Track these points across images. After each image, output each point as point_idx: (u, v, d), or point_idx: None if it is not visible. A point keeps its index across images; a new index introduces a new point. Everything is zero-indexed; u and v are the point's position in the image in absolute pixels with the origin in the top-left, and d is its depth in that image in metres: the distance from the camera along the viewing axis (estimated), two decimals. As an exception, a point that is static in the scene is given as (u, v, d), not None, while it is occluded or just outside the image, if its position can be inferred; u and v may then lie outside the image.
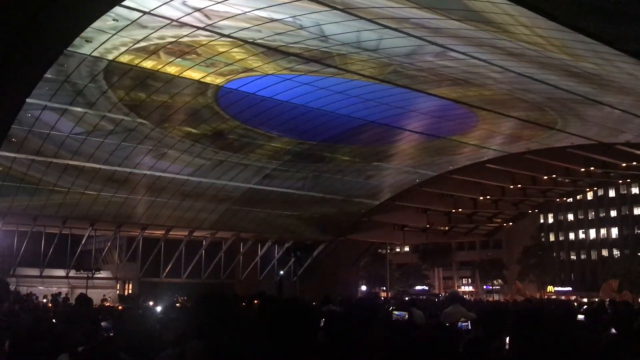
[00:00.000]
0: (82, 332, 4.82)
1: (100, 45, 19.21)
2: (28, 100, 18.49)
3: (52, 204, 30.93)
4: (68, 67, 20.79)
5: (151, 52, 20.40)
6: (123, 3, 16.16)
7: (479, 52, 19.91)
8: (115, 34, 18.58)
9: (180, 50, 20.51)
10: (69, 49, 17.75)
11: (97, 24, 17.41)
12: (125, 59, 20.74)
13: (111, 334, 7.00)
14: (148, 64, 21.34)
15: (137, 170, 30.21)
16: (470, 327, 7.29)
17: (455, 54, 20.25)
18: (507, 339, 3.65)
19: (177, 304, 21.64)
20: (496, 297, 65.30)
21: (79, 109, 24.50)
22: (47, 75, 18.78)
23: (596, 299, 33.05)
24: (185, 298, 28.72)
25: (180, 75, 22.43)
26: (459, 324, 7.84)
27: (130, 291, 40.44)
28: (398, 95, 25.65)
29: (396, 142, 32.67)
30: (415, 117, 28.95)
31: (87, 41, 18.66)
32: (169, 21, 18.15)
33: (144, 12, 17.41)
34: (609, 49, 15.46)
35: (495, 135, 32.35)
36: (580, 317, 10.72)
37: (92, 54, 19.94)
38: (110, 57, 20.46)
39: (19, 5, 10.67)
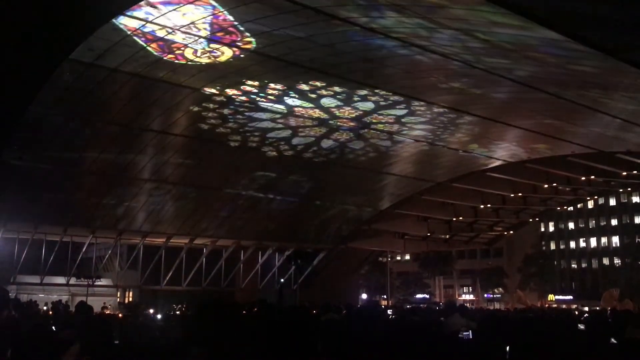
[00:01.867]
0: (88, 339, 4.80)
1: (105, 51, 19.29)
2: (31, 105, 18.56)
3: (53, 210, 30.89)
4: (72, 72, 20.84)
5: (159, 61, 20.54)
6: (135, 15, 16.38)
7: (478, 60, 19.99)
8: (116, 42, 18.69)
9: (188, 59, 20.66)
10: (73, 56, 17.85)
11: (111, 36, 17.61)
12: (132, 67, 20.84)
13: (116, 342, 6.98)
14: (155, 72, 21.46)
15: (139, 177, 30.23)
16: (471, 336, 7.30)
17: (454, 63, 20.33)
18: (508, 346, 3.67)
19: (177, 312, 21.65)
20: (497, 305, 65.01)
21: (82, 115, 24.57)
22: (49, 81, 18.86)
23: (597, 308, 32.99)
24: (184, 307, 28.69)
25: (186, 83, 22.55)
26: (460, 333, 7.84)
27: (130, 299, 40.34)
28: (398, 103, 25.76)
29: (397, 150, 32.68)
30: (416, 125, 28.98)
31: (90, 50, 18.73)
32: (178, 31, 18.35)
33: (154, 24, 17.60)
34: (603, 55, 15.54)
35: (495, 143, 32.37)
36: (581, 326, 10.71)
37: (96, 61, 20.02)
38: (117, 65, 20.55)
39: (23, 13, 10.75)
